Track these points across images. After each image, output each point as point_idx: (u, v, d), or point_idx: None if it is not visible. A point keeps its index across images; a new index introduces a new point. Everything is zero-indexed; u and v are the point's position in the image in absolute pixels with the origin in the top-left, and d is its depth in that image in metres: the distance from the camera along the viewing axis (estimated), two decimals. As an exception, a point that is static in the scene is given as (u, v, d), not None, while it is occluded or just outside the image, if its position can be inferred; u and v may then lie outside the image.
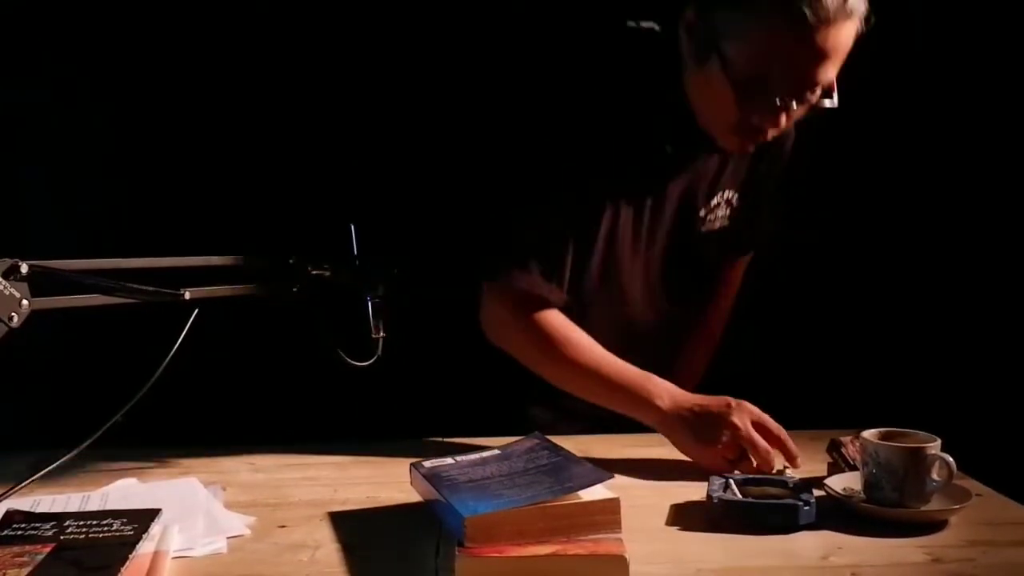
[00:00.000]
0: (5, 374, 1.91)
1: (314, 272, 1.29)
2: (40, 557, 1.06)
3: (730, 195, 1.68)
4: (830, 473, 1.34)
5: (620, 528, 1.09)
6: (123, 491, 1.34)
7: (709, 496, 1.23)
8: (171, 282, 1.17)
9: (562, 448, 1.31)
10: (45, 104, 2.18)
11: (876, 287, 2.25)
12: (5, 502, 1.24)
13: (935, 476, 1.21)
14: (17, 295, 1.04)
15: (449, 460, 1.33)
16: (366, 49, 2.19)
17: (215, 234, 1.63)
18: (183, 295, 1.18)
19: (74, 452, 1.35)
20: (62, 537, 1.12)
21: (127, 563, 1.05)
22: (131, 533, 1.12)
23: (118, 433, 1.32)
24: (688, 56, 1.47)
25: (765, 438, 1.39)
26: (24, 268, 1.05)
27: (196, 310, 1.30)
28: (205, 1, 2.17)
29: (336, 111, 2.18)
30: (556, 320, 1.55)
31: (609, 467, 1.19)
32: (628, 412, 1.50)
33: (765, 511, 1.20)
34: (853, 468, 1.31)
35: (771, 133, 1.47)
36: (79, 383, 2.07)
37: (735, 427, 1.39)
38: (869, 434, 1.25)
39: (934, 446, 1.22)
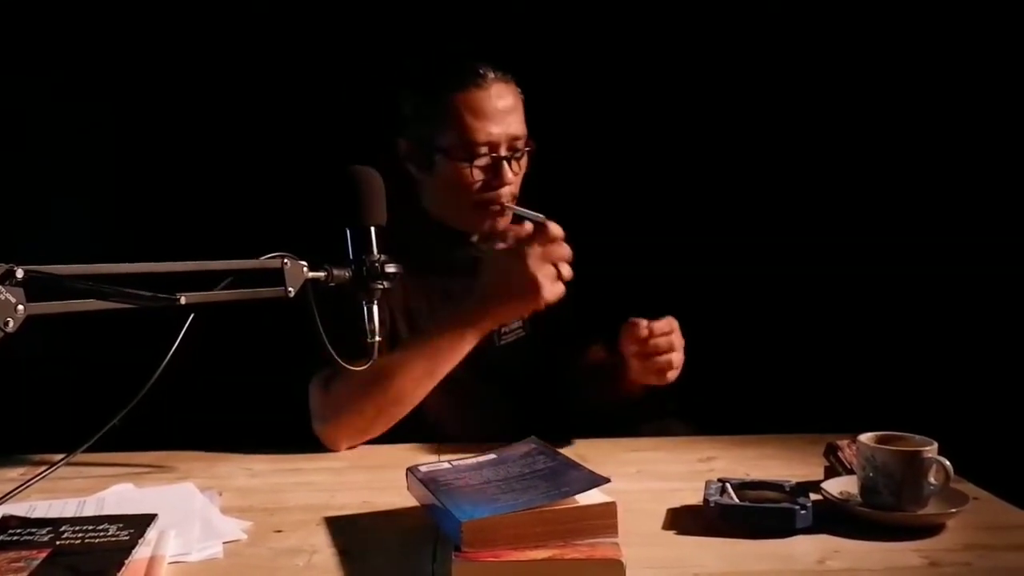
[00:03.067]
0: (1, 379, 1.91)
1: (310, 275, 1.28)
2: (36, 563, 1.06)
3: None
4: (827, 477, 1.34)
5: (617, 532, 1.09)
6: (119, 496, 1.34)
7: (706, 500, 1.23)
8: (167, 287, 1.17)
9: (559, 452, 1.31)
10: (40, 107, 2.18)
11: (873, 291, 2.25)
12: (1, 507, 1.24)
13: (932, 480, 1.21)
14: (12, 300, 1.03)
15: (446, 464, 1.33)
16: (362, 51, 2.19)
17: (211, 238, 1.63)
18: (179, 300, 1.18)
19: (70, 457, 1.34)
20: (58, 542, 1.12)
21: (123, 568, 1.05)
22: (127, 538, 1.12)
23: (114, 438, 1.32)
24: (418, 174, 1.74)
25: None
26: (19, 273, 1.04)
27: (192, 315, 1.30)
28: (203, 3, 2.18)
29: (332, 114, 2.19)
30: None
31: (606, 471, 1.18)
32: (469, 339, 1.56)
33: (762, 515, 1.20)
34: (850, 472, 1.31)
35: (503, 192, 1.68)
36: (75, 388, 2.06)
37: (527, 252, 1.51)
38: (866, 438, 1.25)
39: (931, 450, 1.22)
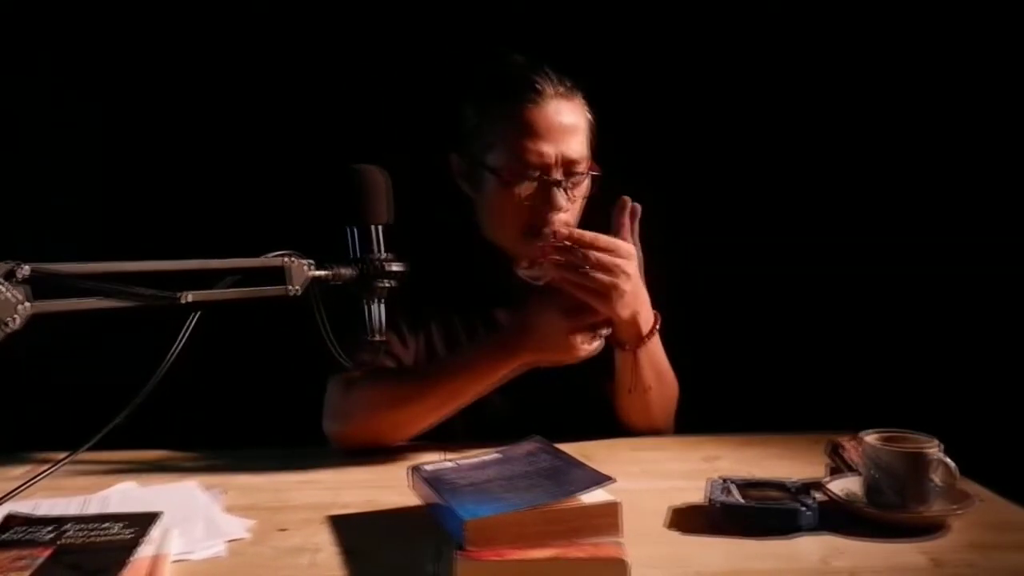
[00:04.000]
0: (4, 377, 1.91)
1: (313, 274, 1.28)
2: (39, 561, 1.06)
3: None
4: (830, 476, 1.34)
5: (620, 532, 1.09)
6: (123, 495, 1.34)
7: (709, 499, 1.23)
8: (170, 285, 1.17)
9: (562, 452, 1.31)
10: (42, 105, 2.18)
11: (876, 290, 2.25)
12: (5, 506, 1.24)
13: (936, 479, 1.21)
14: (17, 298, 1.04)
15: (449, 463, 1.33)
16: (362, 50, 2.19)
17: (214, 237, 1.63)
18: (182, 298, 1.18)
19: (73, 455, 1.34)
20: (61, 541, 1.12)
21: (126, 567, 1.05)
22: (131, 537, 1.12)
23: (118, 436, 1.31)
24: (471, 192, 1.66)
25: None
26: (23, 271, 1.04)
27: (195, 313, 1.30)
28: (209, 1, 2.18)
29: (336, 111, 2.19)
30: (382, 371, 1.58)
31: (609, 470, 1.18)
32: (496, 375, 1.50)
33: (765, 514, 1.19)
34: (853, 471, 1.31)
35: (554, 219, 1.54)
36: (78, 386, 2.06)
37: (561, 311, 1.42)
38: (870, 437, 1.25)
39: (935, 449, 1.21)
